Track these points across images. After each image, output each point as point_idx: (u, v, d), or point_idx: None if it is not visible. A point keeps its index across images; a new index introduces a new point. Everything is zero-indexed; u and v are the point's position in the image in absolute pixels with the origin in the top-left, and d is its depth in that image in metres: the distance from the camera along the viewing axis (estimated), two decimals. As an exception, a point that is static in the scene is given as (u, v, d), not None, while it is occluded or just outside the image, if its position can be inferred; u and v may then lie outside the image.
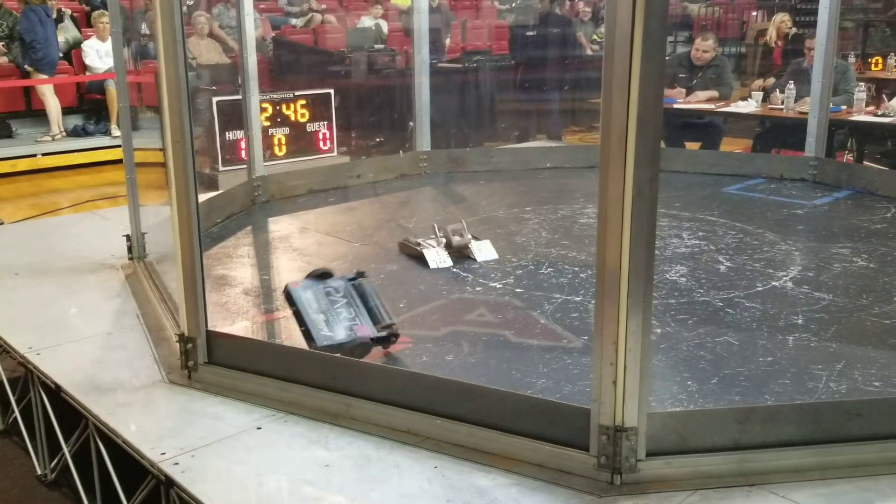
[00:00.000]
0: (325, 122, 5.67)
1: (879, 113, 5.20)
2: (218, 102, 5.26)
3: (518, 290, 2.81)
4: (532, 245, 3.36)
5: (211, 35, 7.30)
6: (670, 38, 11.66)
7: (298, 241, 3.50)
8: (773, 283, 2.82)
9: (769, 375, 2.11)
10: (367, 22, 8.79)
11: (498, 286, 2.86)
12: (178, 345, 2.18)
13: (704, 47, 5.94)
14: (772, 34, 8.36)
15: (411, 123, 4.89)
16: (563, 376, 2.12)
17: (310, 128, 5.62)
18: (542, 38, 7.56)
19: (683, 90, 5.94)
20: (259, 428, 1.90)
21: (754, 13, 12.47)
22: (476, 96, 7.71)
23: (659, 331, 2.42)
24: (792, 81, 5.50)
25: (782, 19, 8.43)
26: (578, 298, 2.70)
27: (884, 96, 5.63)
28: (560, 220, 3.72)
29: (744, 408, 1.73)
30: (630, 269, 1.55)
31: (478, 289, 2.85)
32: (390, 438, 1.83)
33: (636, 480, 1.61)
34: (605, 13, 1.52)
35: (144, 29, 4.20)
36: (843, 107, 5.28)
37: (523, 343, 2.37)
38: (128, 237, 3.19)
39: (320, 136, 5.66)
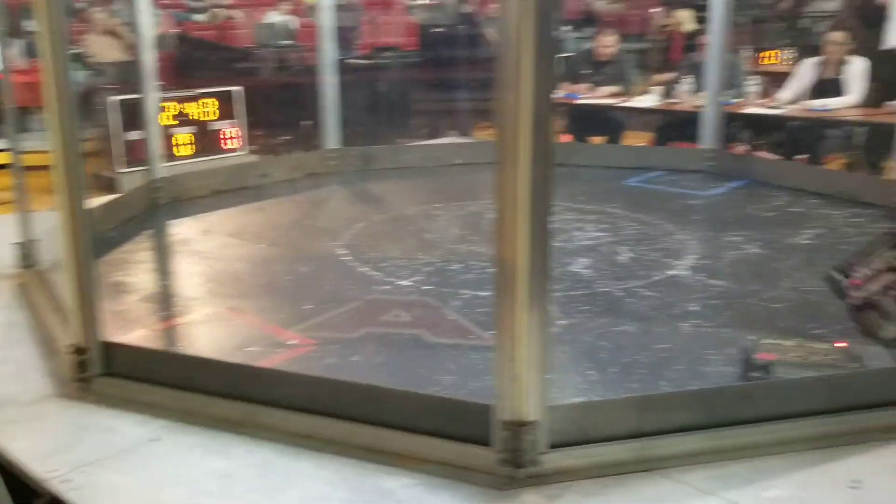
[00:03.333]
0: (232, 121, 5.55)
1: (770, 105, 5.43)
2: (117, 101, 5.07)
3: (427, 288, 2.82)
4: (442, 242, 3.38)
5: (110, 31, 7.03)
6: (576, 35, 11.89)
7: (201, 244, 3.42)
8: (671, 272, 2.92)
9: (666, 362, 2.18)
10: (274, 18, 8.64)
11: (406, 284, 2.86)
12: (70, 356, 2.09)
13: (606, 43, 6.09)
14: (673, 30, 8.62)
15: (307, 122, 4.83)
16: (469, 372, 2.14)
17: (215, 126, 5.49)
18: (452, 35, 7.59)
19: (586, 86, 6.06)
20: (156, 440, 1.84)
21: (657, 10, 12.83)
22: (386, 93, 7.69)
23: (562, 322, 2.46)
24: (688, 76, 5.69)
25: (682, 16, 8.70)
26: (487, 294, 2.72)
27: (773, 89, 5.88)
28: (470, 217, 3.75)
29: (641, 397, 1.78)
30: (528, 266, 1.57)
31: (386, 287, 2.84)
32: (294, 444, 1.81)
33: (538, 473, 1.64)
34: (498, 12, 1.53)
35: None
36: (736, 99, 5.49)
37: (431, 340, 2.37)
38: (19, 244, 3.04)
39: (226, 135, 5.54)
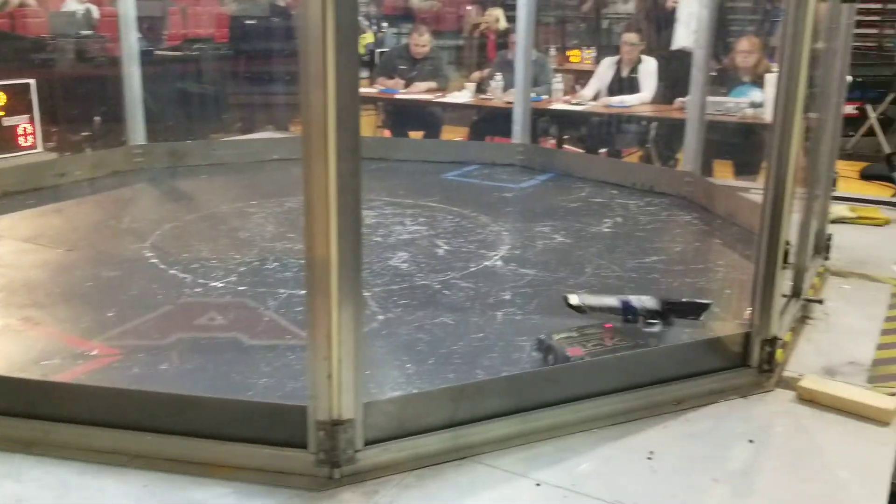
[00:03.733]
0: (25, 116, 5.11)
1: (574, 102, 5.75)
2: None
3: (241, 289, 2.74)
4: (257, 240, 3.29)
5: None
6: (394, 31, 11.98)
7: (-11, 251, 3.12)
8: (486, 263, 3.01)
9: (480, 351, 2.25)
10: (72, 6, 8.04)
11: (220, 286, 2.76)
12: None
13: (421, 41, 6.18)
14: (487, 27, 8.89)
15: (109, 117, 4.56)
16: (286, 373, 2.10)
17: (6, 122, 5.02)
18: (266, 27, 7.42)
19: (403, 81, 6.13)
20: (-66, 469, 1.67)
21: (470, 7, 13.18)
22: (198, 86, 7.39)
23: (381, 317, 2.48)
24: (500, 73, 5.91)
25: (494, 14, 9.00)
26: (303, 292, 2.67)
27: (578, 86, 6.23)
28: (286, 213, 3.68)
29: (455, 386, 1.82)
30: (339, 262, 1.56)
31: (197, 290, 2.73)
32: (96, 462, 1.69)
33: (355, 471, 1.64)
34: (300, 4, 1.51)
35: None
36: (544, 96, 5.77)
37: (245, 343, 2.30)
38: None
39: (19, 132, 5.08)
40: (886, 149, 7.89)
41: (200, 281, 2.79)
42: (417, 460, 1.70)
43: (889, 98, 8.26)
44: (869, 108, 8.13)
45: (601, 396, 1.91)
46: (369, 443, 1.66)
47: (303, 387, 1.97)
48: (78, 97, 6.37)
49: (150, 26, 7.68)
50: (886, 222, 3.59)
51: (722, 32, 6.32)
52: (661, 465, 1.73)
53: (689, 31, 6.46)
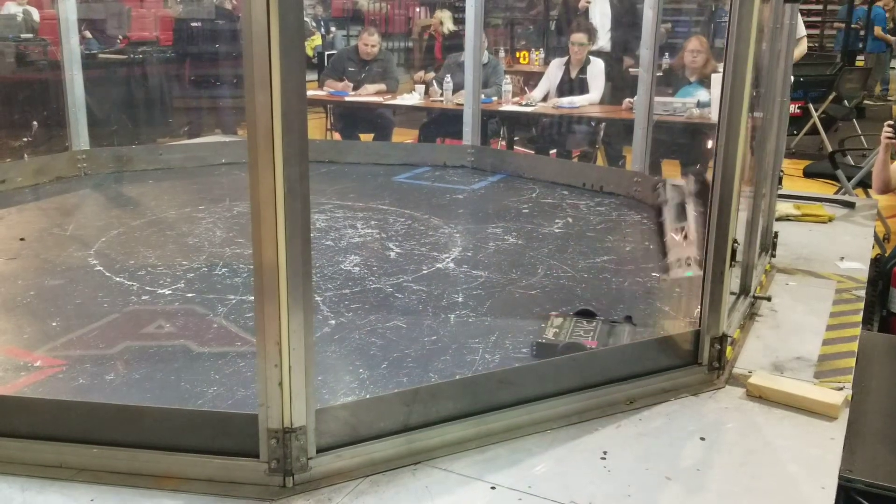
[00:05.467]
0: (-37, 122, 4.95)
1: (524, 103, 5.78)
2: None
3: (190, 295, 2.68)
4: (206, 245, 3.23)
5: None
6: (343, 33, 11.92)
7: (-77, 262, 3.01)
8: (438, 265, 3.00)
9: (433, 354, 2.23)
10: (12, 8, 7.81)
11: (167, 293, 2.70)
12: None
13: (371, 41, 6.15)
14: (435, 30, 8.90)
15: (35, 123, 4.44)
16: (236, 381, 2.06)
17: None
18: (212, 30, 7.30)
19: (352, 84, 6.10)
20: None
21: (418, 9, 13.19)
22: (143, 90, 7.25)
23: (333, 322, 2.45)
24: (449, 75, 5.91)
25: (442, 16, 9.01)
26: (253, 297, 2.64)
27: (526, 87, 6.26)
28: (235, 218, 3.62)
29: (409, 390, 1.80)
30: (288, 268, 1.54)
31: (144, 298, 2.66)
32: (40, 477, 1.64)
33: (308, 479, 1.61)
34: (242, 7, 1.48)
35: None
36: (494, 98, 5.79)
37: (194, 351, 2.26)
38: None
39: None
40: (829, 147, 8.10)
41: (147, 288, 2.73)
42: (372, 466, 1.68)
43: (830, 97, 8.49)
44: (811, 107, 8.34)
45: (555, 397, 1.91)
46: (322, 450, 1.64)
47: (254, 394, 1.94)
48: (18, 102, 6.20)
49: (93, 29, 7.52)
50: (830, 219, 3.67)
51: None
52: (615, 464, 1.74)
53: (604, 32, 6.56)
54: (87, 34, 7.26)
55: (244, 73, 1.48)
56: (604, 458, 1.76)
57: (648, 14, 3.89)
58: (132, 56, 7.38)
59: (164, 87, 7.16)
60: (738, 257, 2.26)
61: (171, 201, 3.96)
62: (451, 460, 1.72)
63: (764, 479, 1.70)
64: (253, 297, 2.60)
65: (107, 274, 2.87)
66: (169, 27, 7.97)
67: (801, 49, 6.14)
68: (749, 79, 1.97)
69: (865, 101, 10.24)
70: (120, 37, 7.88)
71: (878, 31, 11.28)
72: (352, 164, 4.76)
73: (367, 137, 6.37)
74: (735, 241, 2.11)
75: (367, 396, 1.95)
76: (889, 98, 11.78)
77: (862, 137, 8.10)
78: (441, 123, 5.90)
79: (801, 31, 6.04)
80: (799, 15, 6.20)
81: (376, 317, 2.50)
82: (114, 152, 4.64)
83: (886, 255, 4.17)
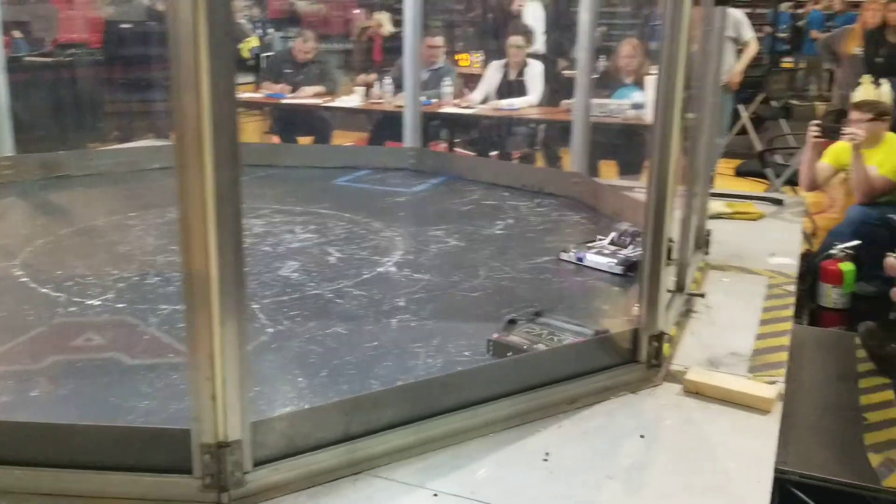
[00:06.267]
0: None
1: (464, 105, 5.78)
2: None
3: (120, 306, 2.60)
4: (137, 254, 3.13)
5: None
6: (281, 34, 11.77)
7: None
8: (379, 270, 2.97)
9: (375, 360, 2.20)
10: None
11: (97, 304, 2.61)
12: None
13: (305, 48, 6.09)
14: (374, 31, 8.85)
15: None
16: (169, 394, 2.00)
17: None
18: (143, 32, 7.13)
19: (289, 86, 6.02)
20: None
21: (357, 11, 13.10)
22: (73, 93, 7.03)
23: (270, 330, 2.40)
24: (391, 77, 5.88)
25: (381, 18, 8.97)
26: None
27: (467, 90, 6.27)
28: (168, 225, 3.52)
29: (348, 399, 1.77)
30: (219, 278, 1.49)
31: (72, 309, 2.57)
32: (-43, 502, 1.56)
33: (245, 494, 1.57)
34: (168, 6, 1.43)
35: None
36: (434, 100, 5.78)
37: (124, 364, 2.18)
38: None
39: None
40: (759, 147, 8.32)
41: (76, 299, 2.63)
42: (311, 478, 1.64)
43: (759, 98, 8.71)
44: (741, 107, 8.55)
45: (498, 400, 1.90)
46: (259, 463, 1.60)
47: (186, 408, 1.89)
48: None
49: (21, 31, 7.27)
50: (761, 216, 3.76)
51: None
52: (557, 465, 1.74)
53: (538, 35, 6.63)
54: (17, 34, 7.01)
55: (171, 74, 1.44)
56: (546, 460, 1.75)
57: (584, 17, 3.93)
58: (61, 58, 7.16)
59: (94, 91, 6.96)
60: (674, 255, 2.30)
61: (102, 208, 3.83)
62: (393, 468, 1.70)
63: (702, 476, 1.72)
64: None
65: (32, 285, 2.76)
66: (99, 29, 7.75)
67: (752, 51, 6.30)
68: (682, 81, 1.99)
69: (792, 102, 10.55)
70: (48, 39, 7.65)
71: (814, 33, 11.62)
72: (291, 168, 4.68)
73: (306, 140, 6.30)
74: (671, 239, 2.14)
75: (306, 406, 1.91)
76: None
77: (789, 137, 8.35)
78: (390, 125, 5.86)
79: (750, 34, 6.20)
80: (747, 19, 6.37)
81: (316, 323, 2.46)
82: (41, 158, 4.47)
83: (814, 250, 4.30)
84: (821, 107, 10.41)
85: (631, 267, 2.83)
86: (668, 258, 2.12)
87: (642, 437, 1.87)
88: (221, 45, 1.43)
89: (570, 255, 3.02)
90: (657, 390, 2.09)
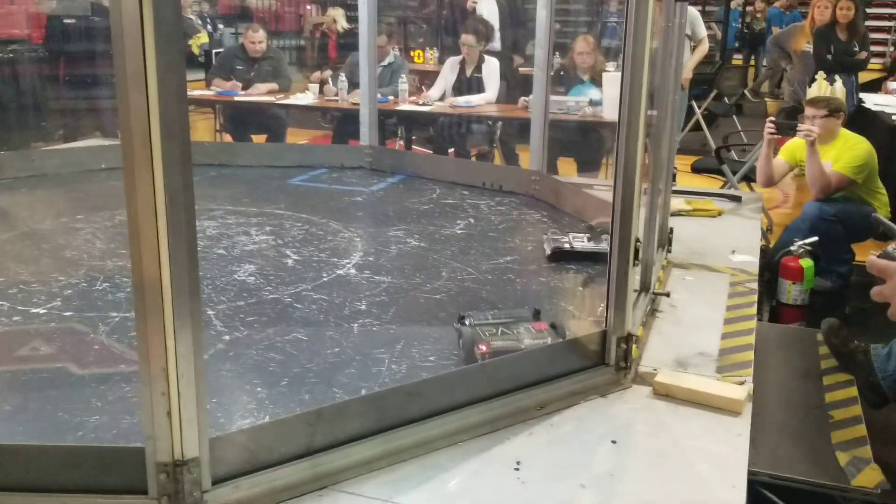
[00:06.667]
0: None
1: (421, 102, 5.71)
2: None
3: (67, 314, 2.48)
4: (85, 259, 3.00)
5: None
6: (231, 31, 11.55)
7: None
8: (339, 272, 2.89)
9: (337, 367, 2.13)
10: None
11: (42, 312, 2.49)
12: None
13: (257, 38, 5.96)
14: (328, 27, 8.73)
15: None
16: (120, 407, 1.90)
17: None
18: (87, 27, 6.90)
19: (240, 83, 5.89)
20: None
21: (309, 7, 12.93)
22: (14, 91, 6.78)
23: (227, 338, 2.31)
24: (345, 74, 5.78)
25: (335, 14, 8.84)
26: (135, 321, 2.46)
27: (423, 87, 6.21)
28: (117, 228, 3.39)
29: (311, 411, 1.69)
30: (172, 287, 1.40)
31: (16, 319, 2.44)
32: None
33: (203, 514, 1.49)
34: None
35: None
36: (390, 97, 5.70)
37: (72, 376, 2.07)
38: None
39: None
40: (712, 143, 8.41)
41: (19, 308, 2.50)
42: (273, 495, 1.57)
43: (712, 95, 8.81)
44: (694, 104, 8.64)
45: (466, 407, 1.84)
46: (218, 481, 1.51)
47: (141, 422, 1.80)
48: None
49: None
50: (719, 213, 3.77)
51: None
52: (529, 474, 1.69)
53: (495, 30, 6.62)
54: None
55: (116, 73, 1.35)
56: (517, 469, 1.70)
57: (542, 13, 3.89)
58: (0, 55, 6.89)
59: (36, 88, 6.72)
60: (641, 255, 2.27)
61: (46, 211, 3.68)
62: (359, 482, 1.63)
63: (676, 482, 1.68)
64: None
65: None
66: (41, 24, 7.46)
67: (704, 49, 6.36)
68: (647, 77, 1.96)
69: (742, 99, 10.70)
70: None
71: (775, 31, 11.79)
72: (244, 167, 4.56)
73: (259, 139, 6.16)
74: (638, 239, 2.11)
75: (267, 418, 1.83)
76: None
77: (742, 133, 8.46)
78: (342, 123, 5.76)
79: (703, 32, 6.26)
80: (700, 17, 6.43)
81: (274, 330, 2.37)
82: (-21, 159, 4.30)
83: (771, 246, 4.34)
84: (772, 104, 10.59)
85: (558, 254, 2.96)
86: (636, 258, 2.09)
87: (614, 442, 1.83)
88: (169, 40, 1.34)
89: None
90: (626, 393, 2.06)
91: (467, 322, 2.21)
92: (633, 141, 1.99)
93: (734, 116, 9.32)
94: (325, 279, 2.82)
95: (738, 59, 13.25)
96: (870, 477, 2.06)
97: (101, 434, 1.78)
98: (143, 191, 1.37)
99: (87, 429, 1.80)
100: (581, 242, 3.04)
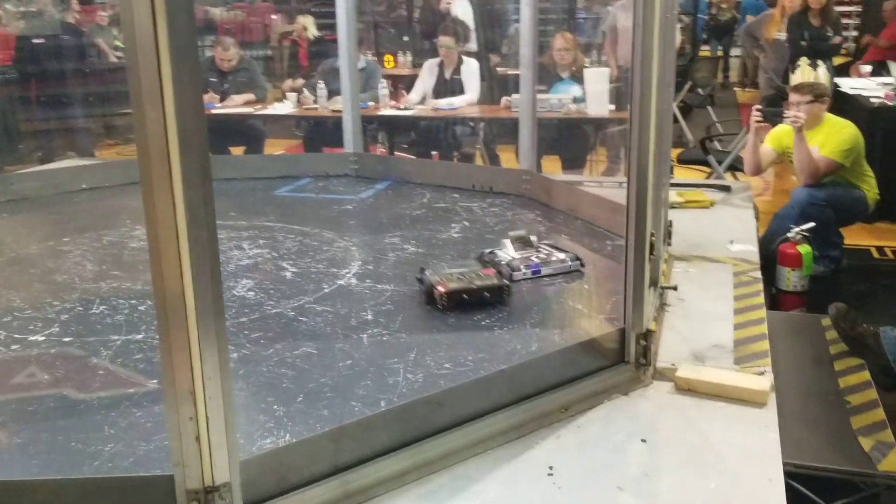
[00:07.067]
0: None
1: (401, 107, 5.67)
2: None
3: (66, 340, 2.40)
4: (77, 282, 2.92)
5: None
6: (199, 44, 11.41)
7: None
8: (340, 282, 2.84)
9: (352, 379, 2.08)
10: None
11: (40, 339, 2.41)
12: None
13: (226, 56, 5.88)
14: (298, 36, 8.65)
15: None
16: (134, 434, 1.84)
17: None
18: (57, 47, 6.77)
19: (217, 95, 5.81)
20: None
21: (275, 17, 12.81)
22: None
23: (235, 355, 2.25)
24: (322, 81, 5.72)
25: (304, 22, 8.77)
26: (140, 336, 2.40)
27: (402, 91, 6.16)
28: (107, 248, 3.31)
29: (335, 428, 1.64)
30: (198, 309, 1.35)
31: (14, 347, 2.36)
32: None
33: (238, 540, 1.44)
34: (123, 14, 1.28)
35: None
36: (371, 103, 5.65)
37: (81, 404, 2.00)
38: None
39: None
40: (689, 134, 8.47)
41: (16, 336, 2.42)
42: (306, 515, 1.52)
43: (686, 87, 8.87)
44: (669, 96, 8.69)
45: (490, 414, 1.81)
46: (250, 504, 1.47)
47: (156, 447, 1.75)
48: None
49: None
50: (712, 204, 3.78)
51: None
52: (564, 479, 1.66)
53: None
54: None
55: (130, 88, 1.29)
56: (551, 475, 1.67)
57: (526, 12, 3.87)
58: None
59: (8, 110, 6.58)
60: (655, 250, 2.25)
61: (31, 235, 3.58)
62: (392, 497, 1.59)
63: (712, 479, 1.66)
64: (139, 336, 2.38)
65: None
66: (9, 46, 7.31)
67: (677, 41, 6.39)
68: (657, 70, 1.94)
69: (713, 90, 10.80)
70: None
71: (749, 20, 11.86)
72: (226, 180, 4.48)
73: (237, 150, 6.08)
74: (652, 234, 2.09)
75: (288, 436, 1.78)
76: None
77: (718, 124, 8.52)
78: (321, 132, 5.70)
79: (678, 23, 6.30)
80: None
81: (282, 345, 2.31)
82: (-45, 185, 4.18)
83: (760, 234, 4.36)
84: (743, 94, 10.69)
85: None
86: (651, 253, 2.07)
87: (643, 441, 1.80)
88: (184, 51, 1.30)
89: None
90: (648, 390, 2.03)
91: (427, 273, 2.58)
92: (645, 135, 1.97)
93: (708, 107, 9.40)
94: (326, 290, 2.77)
95: (705, 51, 13.36)
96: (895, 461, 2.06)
97: (119, 462, 1.72)
98: (162, 208, 1.32)
99: (103, 458, 1.73)
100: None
